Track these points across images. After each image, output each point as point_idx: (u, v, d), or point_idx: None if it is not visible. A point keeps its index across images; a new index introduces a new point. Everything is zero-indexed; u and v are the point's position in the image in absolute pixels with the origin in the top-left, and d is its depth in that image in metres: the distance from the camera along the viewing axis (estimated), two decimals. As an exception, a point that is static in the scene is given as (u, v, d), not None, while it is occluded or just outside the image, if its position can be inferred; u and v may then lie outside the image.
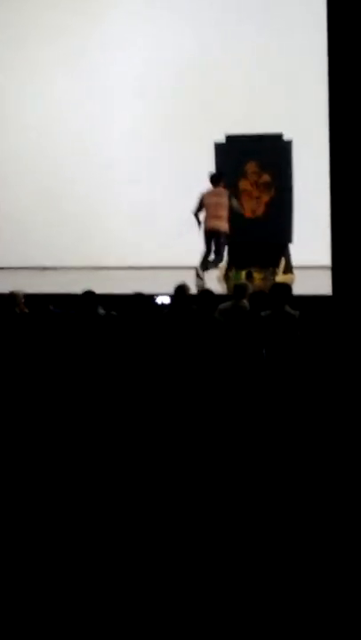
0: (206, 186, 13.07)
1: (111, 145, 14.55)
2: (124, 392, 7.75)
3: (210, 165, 13.10)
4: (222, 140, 13.04)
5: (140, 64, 14.42)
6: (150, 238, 14.21)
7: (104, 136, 14.59)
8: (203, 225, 12.39)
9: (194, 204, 12.35)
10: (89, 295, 8.92)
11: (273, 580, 4.76)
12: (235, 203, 12.53)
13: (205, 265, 12.35)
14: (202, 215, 12.39)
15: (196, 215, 12.40)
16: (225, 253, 12.53)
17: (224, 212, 12.37)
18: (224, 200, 12.41)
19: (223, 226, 12.37)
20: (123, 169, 14.51)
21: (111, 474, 6.30)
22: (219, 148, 13.07)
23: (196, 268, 12.53)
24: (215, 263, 12.50)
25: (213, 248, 12.42)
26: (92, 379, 8.05)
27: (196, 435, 6.84)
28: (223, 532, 5.41)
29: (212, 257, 12.44)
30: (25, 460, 6.59)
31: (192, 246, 13.58)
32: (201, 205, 12.39)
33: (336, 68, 8.83)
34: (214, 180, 12.52)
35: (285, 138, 12.81)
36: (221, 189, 12.48)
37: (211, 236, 12.39)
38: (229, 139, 13.05)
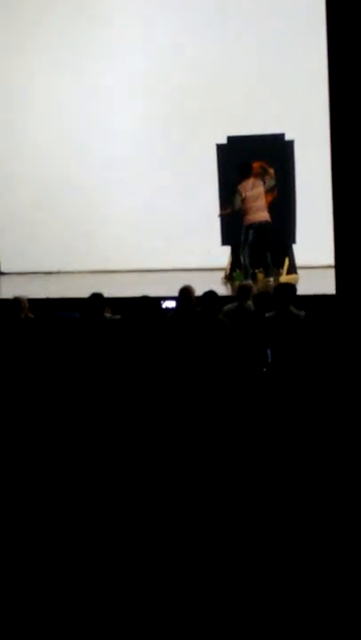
0: (210, 186, 13.14)
1: (113, 147, 14.55)
2: (131, 395, 7.78)
3: (212, 166, 13.13)
4: (224, 141, 13.08)
5: (141, 65, 14.42)
6: (155, 240, 14.23)
7: (106, 139, 14.59)
8: (245, 219, 12.37)
9: (236, 200, 12.36)
10: (97, 298, 8.94)
11: (273, 579, 4.77)
12: (271, 183, 12.54)
13: (248, 267, 12.31)
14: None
15: (236, 210, 12.43)
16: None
17: (263, 202, 12.41)
18: (261, 190, 12.42)
19: (266, 215, 12.41)
20: (125, 171, 14.51)
21: (117, 476, 6.33)
22: (221, 149, 13.10)
23: (229, 272, 12.58)
24: (270, 259, 12.47)
25: (252, 241, 12.34)
26: (98, 382, 8.08)
27: (202, 437, 6.86)
28: (224, 533, 5.43)
29: (246, 257, 12.36)
30: (31, 463, 6.61)
31: (197, 248, 13.68)
32: (242, 200, 12.35)
33: (336, 67, 8.85)
34: (245, 172, 12.44)
35: (287, 138, 12.85)
36: (254, 180, 12.42)
37: (255, 229, 12.37)
38: (231, 139, 13.07)
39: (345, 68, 8.75)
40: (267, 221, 12.38)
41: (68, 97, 14.76)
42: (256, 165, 12.59)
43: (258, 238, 12.37)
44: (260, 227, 12.36)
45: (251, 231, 12.36)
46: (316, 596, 4.59)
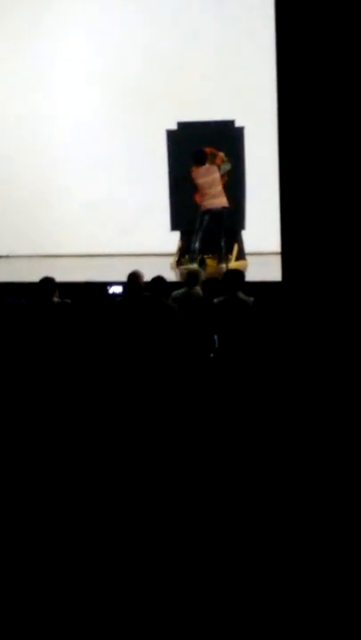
0: (159, 172, 13.16)
1: (63, 133, 14.53)
2: (79, 380, 7.79)
3: (162, 152, 13.14)
4: (174, 127, 13.10)
5: (92, 51, 14.40)
6: (104, 225, 14.24)
7: (57, 124, 14.55)
8: (202, 206, 12.37)
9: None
10: (47, 282, 8.93)
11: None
12: (226, 167, 12.56)
13: (196, 252, 12.33)
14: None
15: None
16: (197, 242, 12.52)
17: (219, 187, 12.41)
18: (216, 175, 12.41)
19: (223, 201, 12.40)
20: (75, 156, 14.50)
21: (66, 461, 6.35)
22: (170, 135, 13.10)
23: (178, 257, 12.60)
24: (225, 245, 12.49)
25: (206, 227, 12.37)
26: (45, 366, 8.08)
27: (149, 421, 6.90)
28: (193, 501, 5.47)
29: (197, 242, 12.38)
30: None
31: (146, 233, 13.70)
32: (195, 186, 12.39)
33: (284, 56, 8.92)
34: (199, 159, 12.44)
35: (237, 124, 12.90)
36: (209, 166, 12.43)
37: (212, 215, 12.37)
38: (181, 125, 13.08)
39: (292, 57, 8.83)
40: (223, 208, 12.43)
41: (20, 82, 14.68)
42: (207, 151, 12.61)
43: (213, 225, 12.42)
44: (216, 213, 12.41)
45: (206, 217, 12.40)
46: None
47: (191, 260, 12.32)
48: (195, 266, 12.00)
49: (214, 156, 12.54)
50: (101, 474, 6.11)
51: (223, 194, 12.40)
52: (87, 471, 6.16)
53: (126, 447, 6.50)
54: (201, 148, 12.48)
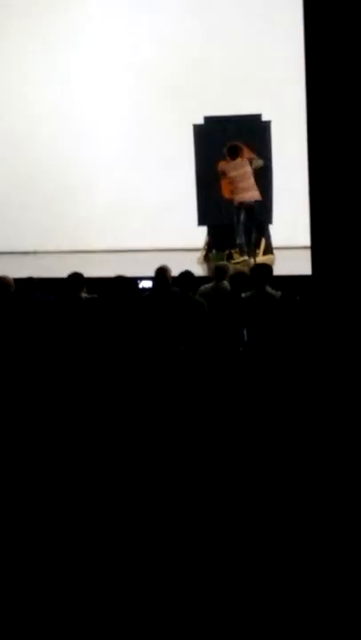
0: (186, 167, 13.15)
1: (90, 128, 14.52)
2: (107, 376, 7.80)
3: (189, 147, 13.13)
4: (201, 121, 13.08)
5: (119, 46, 14.38)
6: (131, 221, 14.23)
7: (82, 119, 14.54)
8: (235, 200, 12.40)
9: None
10: (75, 277, 8.94)
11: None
12: (258, 163, 12.55)
13: (244, 246, 12.34)
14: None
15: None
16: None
17: (251, 180, 12.40)
18: (248, 169, 12.41)
19: (256, 194, 12.42)
20: (102, 151, 14.49)
21: (94, 457, 6.36)
22: (197, 130, 13.10)
23: (206, 252, 12.61)
24: (254, 239, 12.50)
25: (245, 220, 12.38)
26: (75, 362, 8.09)
27: (179, 416, 6.90)
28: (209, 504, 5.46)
29: (241, 237, 12.38)
30: (6, 444, 6.63)
31: (173, 228, 13.69)
32: (221, 179, 12.43)
33: (313, 49, 8.87)
34: (234, 152, 12.44)
35: (264, 118, 12.87)
36: (241, 160, 12.43)
37: (245, 209, 12.37)
38: (208, 120, 13.08)
39: (321, 50, 8.78)
40: (255, 201, 12.40)
41: (44, 77, 14.68)
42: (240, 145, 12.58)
43: (246, 218, 12.41)
44: (249, 206, 12.39)
45: (242, 211, 12.39)
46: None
47: (242, 254, 12.29)
48: (251, 260, 12.00)
49: (242, 150, 12.52)
50: (127, 466, 6.12)
51: (255, 187, 12.40)
52: (112, 461, 6.17)
53: (153, 440, 6.50)
54: (235, 142, 12.46)
